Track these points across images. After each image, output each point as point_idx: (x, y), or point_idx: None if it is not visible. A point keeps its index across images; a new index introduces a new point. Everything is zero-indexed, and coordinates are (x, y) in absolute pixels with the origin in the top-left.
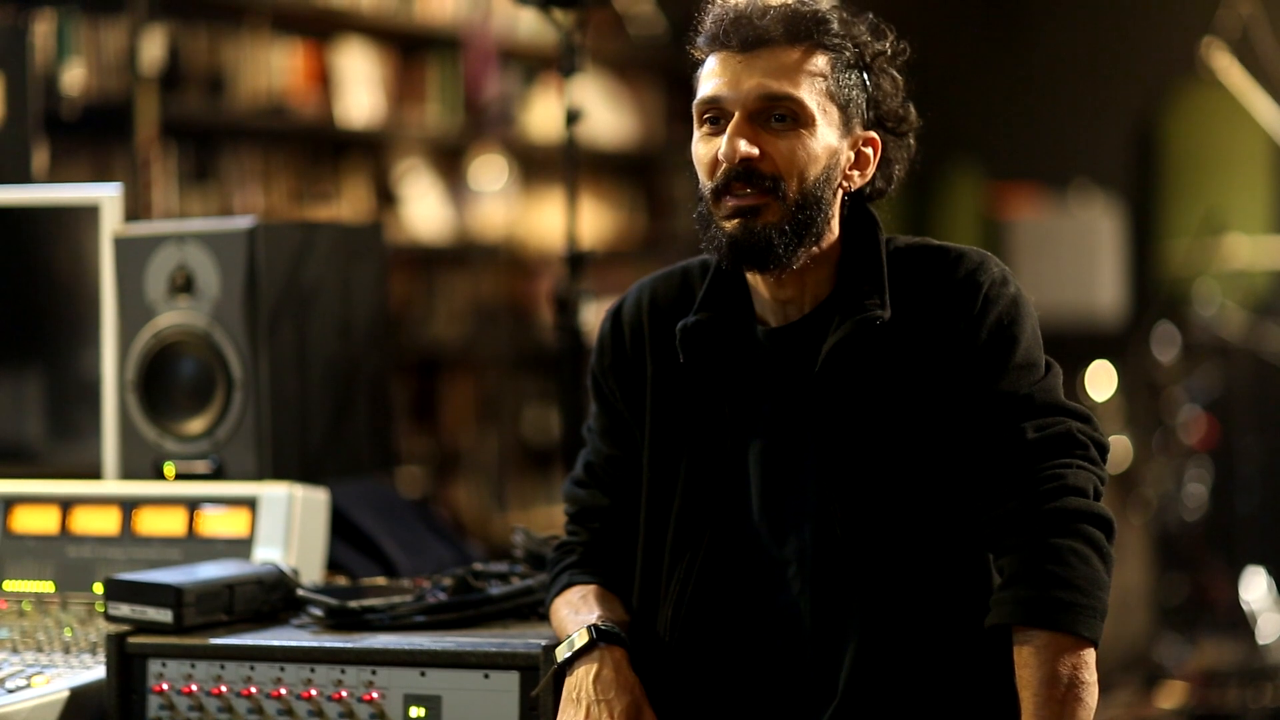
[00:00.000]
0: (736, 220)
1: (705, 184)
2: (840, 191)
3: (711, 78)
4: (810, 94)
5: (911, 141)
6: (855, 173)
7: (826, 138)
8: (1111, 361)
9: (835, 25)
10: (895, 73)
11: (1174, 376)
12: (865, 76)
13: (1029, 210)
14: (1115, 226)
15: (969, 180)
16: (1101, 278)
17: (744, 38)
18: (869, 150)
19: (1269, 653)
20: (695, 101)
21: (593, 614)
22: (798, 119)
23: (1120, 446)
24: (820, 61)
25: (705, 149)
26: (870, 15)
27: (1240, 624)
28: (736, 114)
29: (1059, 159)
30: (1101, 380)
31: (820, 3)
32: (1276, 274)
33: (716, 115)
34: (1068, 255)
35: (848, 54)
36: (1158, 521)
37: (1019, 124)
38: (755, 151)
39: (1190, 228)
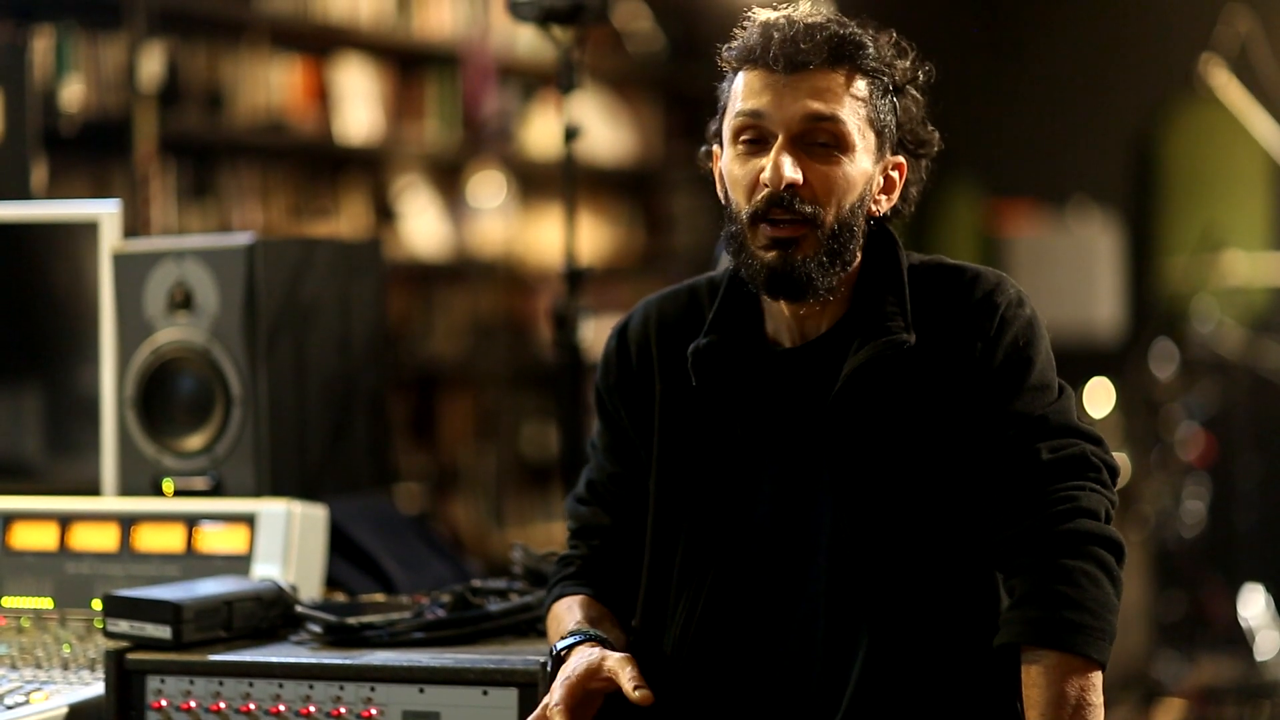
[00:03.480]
0: (775, 251)
1: (741, 206)
2: (868, 214)
3: (752, 95)
4: (852, 119)
5: (926, 163)
6: (883, 197)
7: (863, 163)
8: (1109, 378)
9: (872, 49)
10: (917, 93)
11: (1172, 393)
12: (895, 100)
13: (1027, 227)
14: (1113, 243)
15: (967, 197)
16: (1099, 294)
17: (789, 58)
18: (895, 174)
19: (1267, 669)
20: (733, 114)
21: (573, 620)
22: (839, 144)
23: (1118, 463)
24: (861, 86)
25: (743, 170)
26: (893, 32)
27: (1238, 641)
28: (780, 136)
29: (1057, 175)
30: (1099, 397)
31: (842, 21)
32: (1274, 290)
33: (755, 134)
34: (1066, 272)
35: (883, 79)
36: (1156, 538)
37: (1017, 140)
38: (800, 178)
39: (1188, 244)
